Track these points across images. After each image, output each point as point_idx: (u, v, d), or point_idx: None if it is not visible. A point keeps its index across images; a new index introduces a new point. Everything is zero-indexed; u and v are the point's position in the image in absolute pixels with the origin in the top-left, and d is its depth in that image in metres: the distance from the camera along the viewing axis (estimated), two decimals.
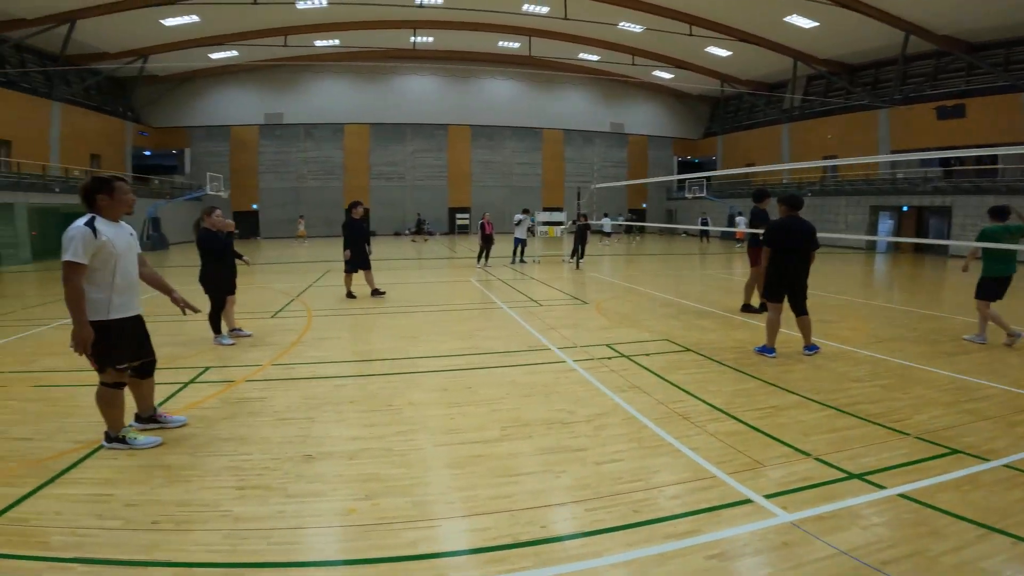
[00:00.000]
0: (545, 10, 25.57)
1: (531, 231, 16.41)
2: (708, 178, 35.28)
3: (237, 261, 6.69)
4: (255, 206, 33.13)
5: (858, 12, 21.99)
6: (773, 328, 5.79)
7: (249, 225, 32.96)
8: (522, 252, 16.11)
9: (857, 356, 5.73)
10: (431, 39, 30.24)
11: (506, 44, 31.70)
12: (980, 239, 6.22)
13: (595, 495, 2.85)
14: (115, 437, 3.41)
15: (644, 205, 39.23)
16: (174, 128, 32.29)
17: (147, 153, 32.08)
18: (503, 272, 13.90)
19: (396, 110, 33.90)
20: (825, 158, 25.96)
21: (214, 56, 29.20)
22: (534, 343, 6.38)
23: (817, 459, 3.27)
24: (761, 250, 6.26)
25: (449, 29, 28.40)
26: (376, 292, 9.83)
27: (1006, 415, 4.01)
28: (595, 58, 32.60)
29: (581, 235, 15.41)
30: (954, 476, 3.05)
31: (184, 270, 14.14)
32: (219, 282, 6.26)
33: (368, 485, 3.01)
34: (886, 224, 24.53)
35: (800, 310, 5.79)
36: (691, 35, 26.14)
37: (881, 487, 2.91)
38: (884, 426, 3.81)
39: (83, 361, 3.26)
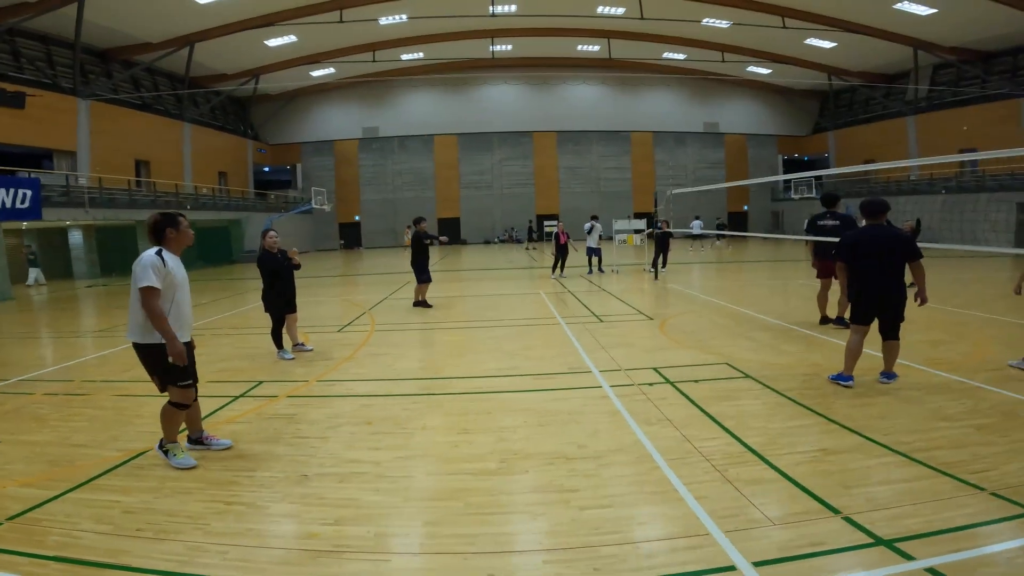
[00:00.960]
0: (621, 11, 24.98)
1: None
2: (818, 177, 32.45)
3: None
4: (357, 217, 35.43)
5: None
6: (853, 354, 5.01)
7: (352, 236, 35.33)
8: (599, 262, 15.75)
9: (960, 387, 4.85)
10: (509, 47, 30.70)
11: (586, 47, 31.43)
12: None
13: (562, 545, 2.65)
14: (163, 447, 3.75)
15: (745, 208, 36.93)
16: (287, 144, 35.44)
17: (266, 169, 35.51)
18: (578, 284, 13.64)
19: (482, 120, 34.73)
20: (961, 151, 22.94)
21: (314, 74, 31.68)
22: (577, 364, 6.15)
23: (846, 519, 2.80)
24: (829, 262, 5.53)
25: (526, 36, 28.71)
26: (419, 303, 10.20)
27: None
28: (681, 56, 31.31)
29: (662, 243, 14.74)
30: (1014, 545, 2.49)
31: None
32: (276, 301, 6.68)
33: (342, 511, 3.03)
34: None
35: (889, 333, 4.98)
36: (784, 28, 24.28)
37: (909, 558, 2.43)
38: (957, 478, 3.17)
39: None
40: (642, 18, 23.29)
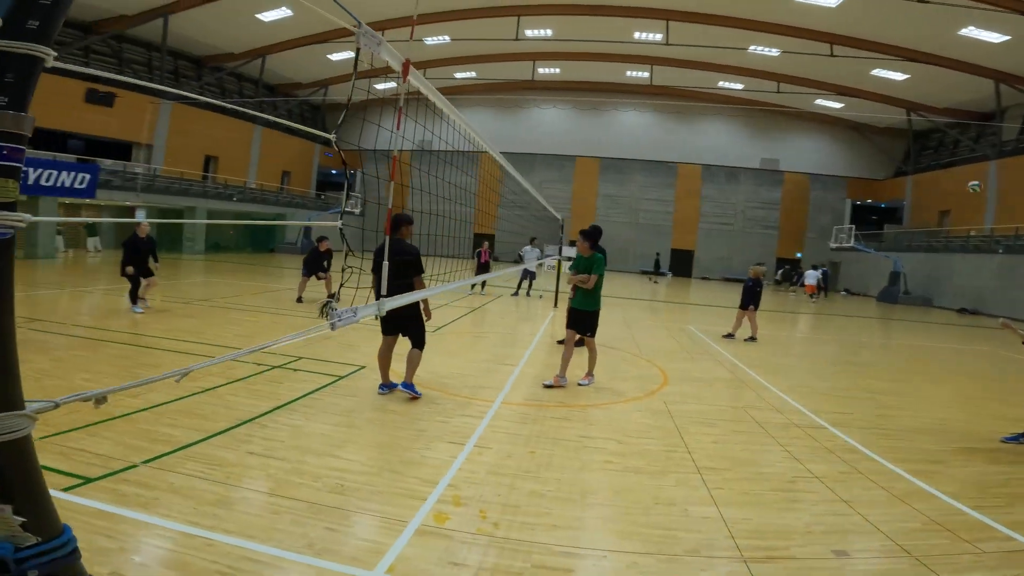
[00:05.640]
0: (658, 36, 24.55)
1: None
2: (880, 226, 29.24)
3: None
4: None
5: None
6: None
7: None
8: (530, 286, 15.85)
9: None
10: (557, 70, 31.24)
11: (634, 73, 31.10)
12: None
13: None
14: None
15: (799, 255, 34.01)
16: (352, 150, 38.60)
17: (333, 172, 38.93)
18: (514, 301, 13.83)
19: (527, 140, 35.42)
20: None
21: (377, 87, 34.47)
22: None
23: None
24: None
25: (570, 60, 29.10)
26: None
27: None
28: (738, 87, 29.87)
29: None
30: None
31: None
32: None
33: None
34: None
35: None
36: (832, 56, 22.49)
37: None
38: None
39: None
40: (667, 43, 22.93)
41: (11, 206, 1.08)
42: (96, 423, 4.14)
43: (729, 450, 4.52)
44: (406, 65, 2.53)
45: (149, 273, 9.04)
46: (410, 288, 5.15)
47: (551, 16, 24.42)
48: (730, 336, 10.81)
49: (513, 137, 35.75)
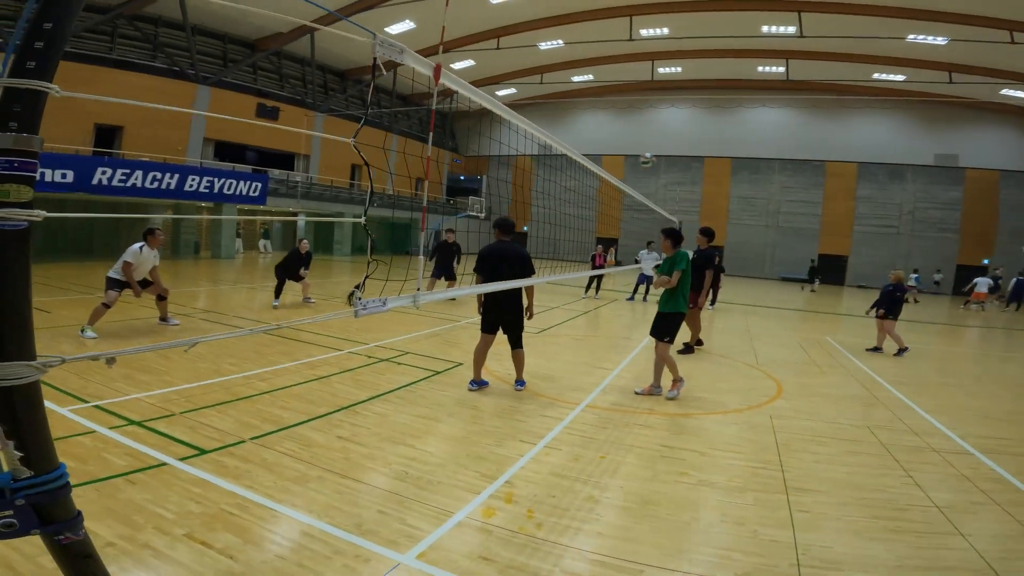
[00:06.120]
0: (791, 29, 22.42)
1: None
2: None
3: None
4: (526, 228, 38.38)
5: None
6: None
7: (520, 244, 38.60)
8: (647, 291, 15.32)
9: None
10: (678, 69, 29.83)
11: (766, 69, 28.67)
12: None
13: None
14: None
15: (986, 261, 28.84)
16: (477, 157, 40.26)
17: (461, 178, 41.01)
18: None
19: (650, 142, 34.16)
20: None
21: (499, 93, 35.50)
22: None
23: None
24: None
25: (694, 58, 27.66)
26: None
27: None
28: (899, 78, 26.19)
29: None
30: None
31: None
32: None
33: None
34: None
35: None
36: (1013, 43, 18.87)
37: None
38: None
39: None
40: (801, 36, 20.79)
41: (28, 205, 1.34)
42: (226, 402, 4.76)
43: (833, 472, 3.97)
44: (437, 69, 2.59)
45: (300, 278, 10.36)
46: (519, 289, 5.45)
47: (665, 15, 23.43)
48: (876, 350, 9.54)
49: (634, 139, 34.79)
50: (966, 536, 3.02)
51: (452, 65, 30.78)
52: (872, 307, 9.83)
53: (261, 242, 26.54)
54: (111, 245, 19.96)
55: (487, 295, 5.47)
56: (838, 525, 3.14)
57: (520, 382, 5.79)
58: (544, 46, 27.33)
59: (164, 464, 3.46)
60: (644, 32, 24.72)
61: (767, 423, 5.08)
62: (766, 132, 31.85)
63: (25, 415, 1.31)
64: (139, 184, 17.42)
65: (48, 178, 15.20)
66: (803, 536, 2.99)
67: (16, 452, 1.29)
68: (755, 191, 32.44)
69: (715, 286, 14.78)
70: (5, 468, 1.32)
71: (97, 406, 4.44)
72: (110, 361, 1.48)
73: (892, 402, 6.20)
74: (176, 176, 18.38)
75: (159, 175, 17.89)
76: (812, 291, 24.61)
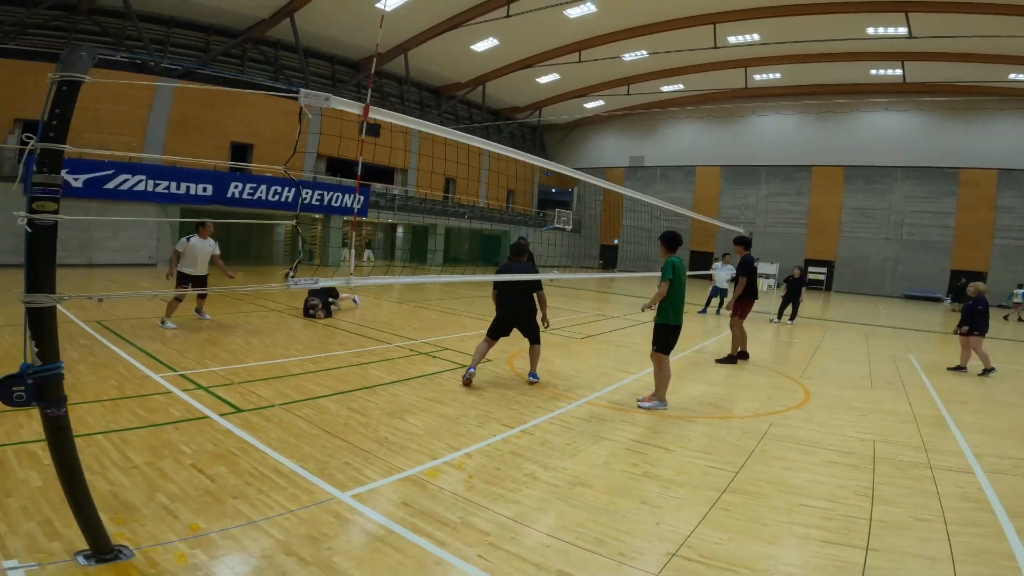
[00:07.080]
0: (902, 31, 20.50)
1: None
2: None
3: None
4: (616, 241, 38.12)
5: None
6: None
7: (610, 257, 38.37)
8: (720, 303, 14.85)
9: None
10: (777, 75, 28.22)
11: (879, 72, 26.30)
12: None
13: None
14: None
15: None
16: (566, 171, 40.62)
17: (552, 191, 41.66)
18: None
19: (748, 151, 32.61)
20: None
21: (587, 106, 35.63)
22: None
23: None
24: None
25: (794, 63, 26.12)
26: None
27: None
28: None
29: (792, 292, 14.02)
30: None
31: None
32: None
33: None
34: None
35: None
36: None
37: None
38: None
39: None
40: (910, 37, 18.97)
41: (53, 212, 2.16)
42: (276, 377, 5.72)
43: (793, 479, 3.97)
44: (366, 109, 3.18)
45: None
46: (534, 302, 6.09)
47: (750, 21, 22.46)
48: (959, 368, 8.72)
49: (731, 149, 33.37)
50: (869, 550, 2.98)
51: (537, 80, 31.54)
52: (957, 327, 8.98)
53: (366, 251, 29.00)
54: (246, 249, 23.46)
55: (502, 310, 6.03)
56: (749, 526, 3.19)
57: (533, 375, 6.21)
58: (628, 57, 27.30)
59: (206, 417, 4.37)
60: (732, 39, 23.91)
61: (761, 430, 5.07)
62: (883, 138, 29.14)
63: (44, 327, 2.15)
64: (264, 197, 20.01)
65: (192, 191, 18.09)
66: (703, 530, 3.10)
67: (35, 348, 2.13)
68: (872, 201, 29.72)
69: (795, 301, 14.03)
70: (28, 360, 2.15)
71: (182, 375, 5.57)
72: (100, 301, 2.27)
73: (930, 419, 5.81)
74: (292, 190, 20.87)
75: (279, 188, 20.43)
76: (953, 310, 22.19)
